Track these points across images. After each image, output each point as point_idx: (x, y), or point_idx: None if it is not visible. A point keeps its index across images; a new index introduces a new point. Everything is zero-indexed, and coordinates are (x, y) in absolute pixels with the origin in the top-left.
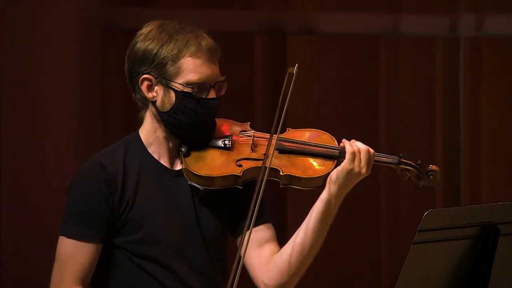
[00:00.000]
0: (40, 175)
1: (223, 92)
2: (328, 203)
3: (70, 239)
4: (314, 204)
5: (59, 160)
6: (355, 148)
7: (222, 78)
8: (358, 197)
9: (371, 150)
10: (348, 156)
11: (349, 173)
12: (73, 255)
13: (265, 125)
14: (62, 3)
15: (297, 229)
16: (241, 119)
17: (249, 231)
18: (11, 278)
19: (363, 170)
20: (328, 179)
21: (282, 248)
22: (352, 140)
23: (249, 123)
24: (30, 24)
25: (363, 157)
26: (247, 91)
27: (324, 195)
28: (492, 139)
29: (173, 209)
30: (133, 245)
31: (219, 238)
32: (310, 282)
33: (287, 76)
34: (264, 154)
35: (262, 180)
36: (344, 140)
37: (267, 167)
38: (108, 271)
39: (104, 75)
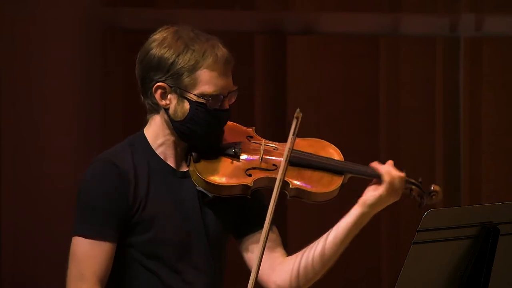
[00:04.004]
0: (40, 175)
1: (233, 101)
2: (359, 223)
3: (87, 239)
4: (343, 220)
5: (59, 160)
6: (393, 179)
7: (234, 88)
8: (358, 197)
9: (403, 175)
10: (386, 186)
11: (386, 201)
12: (91, 254)
13: (265, 125)
14: (62, 3)
15: (297, 233)
16: (241, 119)
17: (263, 242)
18: (11, 278)
19: (398, 197)
20: (362, 201)
21: (300, 254)
22: (388, 166)
23: (254, 127)
24: (30, 24)
25: (399, 186)
26: (247, 91)
27: (356, 215)
28: (492, 139)
29: (180, 210)
30: (142, 245)
31: (222, 240)
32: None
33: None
34: (276, 167)
35: (276, 194)
36: (380, 167)
37: (281, 179)
38: (114, 271)
39: (104, 75)
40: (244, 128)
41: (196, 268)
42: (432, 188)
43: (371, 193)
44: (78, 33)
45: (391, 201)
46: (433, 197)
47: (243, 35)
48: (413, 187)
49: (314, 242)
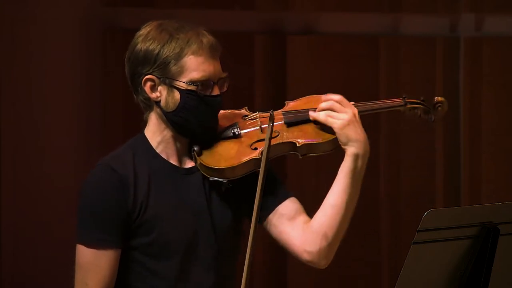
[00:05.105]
0: (40, 175)
1: (225, 88)
2: (354, 161)
3: (90, 248)
4: (341, 165)
5: (59, 160)
6: (323, 114)
7: (224, 75)
8: (358, 197)
9: (334, 98)
10: (328, 124)
11: (346, 128)
12: (94, 263)
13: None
14: (62, 3)
15: None
16: None
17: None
18: (11, 278)
19: (349, 115)
20: (341, 146)
21: (317, 213)
22: (317, 109)
23: (246, 107)
24: (30, 24)
25: (337, 109)
26: (247, 91)
27: (348, 155)
28: (492, 139)
29: (185, 208)
30: (146, 246)
31: (232, 234)
32: (311, 283)
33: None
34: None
35: (265, 166)
36: (312, 114)
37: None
38: (118, 274)
39: (104, 75)
40: (237, 111)
41: (203, 266)
42: (435, 100)
43: (336, 136)
44: (78, 33)
45: (350, 120)
46: (439, 108)
47: (243, 35)
48: (417, 106)
49: (325, 198)
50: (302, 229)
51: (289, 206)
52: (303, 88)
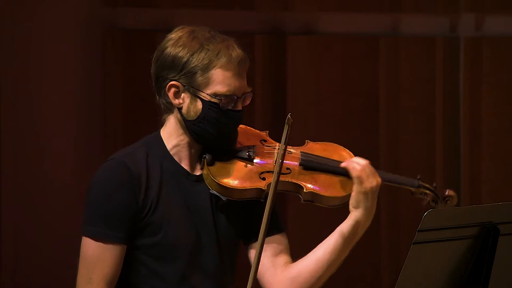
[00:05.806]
0: (40, 174)
1: (248, 102)
2: (355, 227)
3: (96, 241)
4: (340, 225)
5: (59, 160)
6: (359, 169)
7: (249, 90)
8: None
9: (367, 162)
10: (355, 180)
11: (365, 194)
12: (100, 257)
13: (265, 126)
14: (62, 3)
15: (297, 237)
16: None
17: (261, 241)
18: (11, 278)
19: (374, 183)
20: (350, 206)
21: (300, 260)
22: (351, 161)
23: (267, 131)
24: (30, 24)
25: (368, 173)
26: None
27: (351, 219)
28: (492, 139)
29: (191, 213)
30: (150, 247)
31: (233, 245)
32: None
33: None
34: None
35: (274, 190)
36: (344, 164)
37: (278, 178)
38: (121, 274)
39: (104, 75)
40: (257, 131)
41: (204, 273)
42: (446, 193)
43: (352, 196)
44: (78, 33)
45: (373, 190)
46: (448, 202)
47: (243, 35)
48: (428, 192)
49: (314, 249)
50: (281, 270)
51: (278, 241)
52: (303, 88)
